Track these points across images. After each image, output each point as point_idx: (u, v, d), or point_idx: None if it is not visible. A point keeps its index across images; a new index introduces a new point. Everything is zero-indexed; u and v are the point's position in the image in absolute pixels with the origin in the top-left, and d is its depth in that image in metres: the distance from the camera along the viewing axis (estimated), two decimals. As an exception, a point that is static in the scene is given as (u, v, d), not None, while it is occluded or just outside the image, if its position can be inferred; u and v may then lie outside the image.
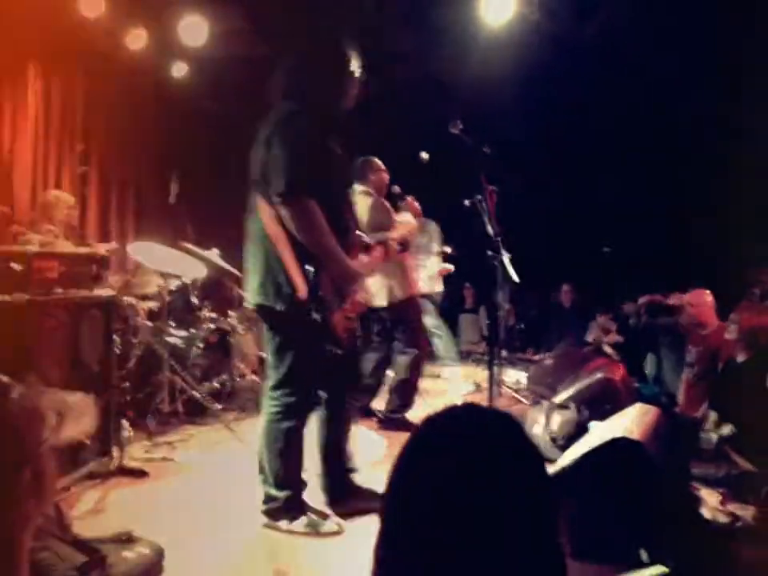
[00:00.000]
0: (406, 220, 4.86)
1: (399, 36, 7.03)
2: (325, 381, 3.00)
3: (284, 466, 2.91)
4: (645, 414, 2.99)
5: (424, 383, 6.44)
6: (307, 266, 2.62)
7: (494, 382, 5.22)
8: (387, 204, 4.79)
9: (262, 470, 2.97)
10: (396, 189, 5.14)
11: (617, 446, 2.62)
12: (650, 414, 2.99)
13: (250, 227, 2.86)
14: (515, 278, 6.14)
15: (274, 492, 2.95)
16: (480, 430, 0.95)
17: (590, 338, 7.34)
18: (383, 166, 4.95)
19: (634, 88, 6.90)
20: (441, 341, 6.45)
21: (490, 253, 3.40)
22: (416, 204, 5.28)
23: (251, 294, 2.83)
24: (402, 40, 7.08)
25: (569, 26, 6.19)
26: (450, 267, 6.66)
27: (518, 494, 0.91)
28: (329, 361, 2.82)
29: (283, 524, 2.94)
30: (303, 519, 2.95)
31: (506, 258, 6.02)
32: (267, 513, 2.98)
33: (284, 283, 2.67)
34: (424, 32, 6.82)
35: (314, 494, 3.13)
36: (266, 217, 2.71)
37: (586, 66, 6.68)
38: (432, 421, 1.00)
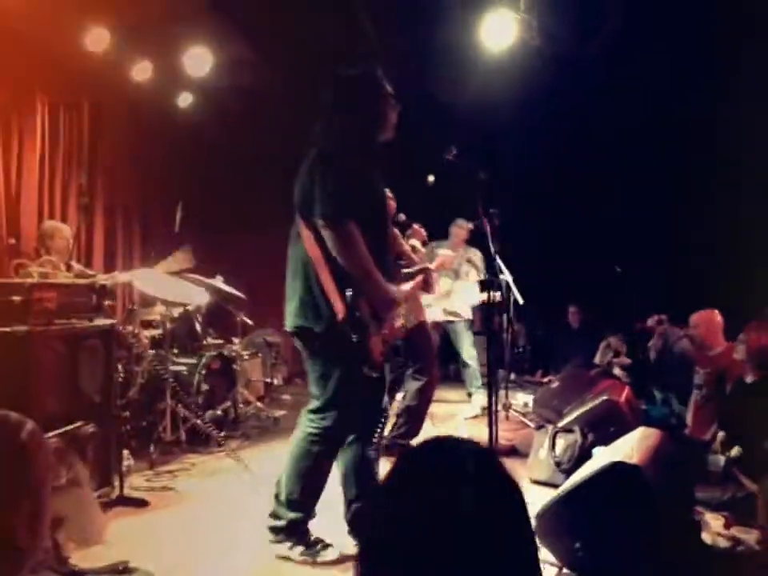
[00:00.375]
0: (414, 245, 4.92)
1: (400, 59, 7.10)
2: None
3: (302, 487, 2.91)
4: (646, 438, 2.94)
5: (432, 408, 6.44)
6: (347, 290, 2.68)
7: (496, 405, 5.23)
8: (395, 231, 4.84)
9: (278, 485, 2.97)
10: (402, 217, 5.21)
11: (614, 471, 2.58)
12: (651, 438, 2.94)
13: (291, 252, 2.94)
14: (519, 299, 6.18)
15: (282, 510, 2.94)
16: (451, 465, 0.95)
17: (598, 359, 7.28)
18: (390, 194, 5.02)
19: (635, 108, 6.91)
20: (469, 371, 6.41)
21: (487, 276, 3.37)
22: (422, 231, 5.33)
23: (290, 317, 2.88)
24: (403, 63, 7.15)
25: (569, 50, 6.22)
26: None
27: (494, 528, 0.90)
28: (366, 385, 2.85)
29: (282, 548, 2.92)
30: (301, 547, 2.93)
31: (509, 279, 6.06)
32: (271, 529, 2.97)
33: (323, 305, 2.73)
34: (425, 56, 6.89)
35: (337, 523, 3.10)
36: (307, 241, 2.79)
37: (587, 88, 6.71)
38: (407, 456, 1.00)
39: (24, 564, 1.31)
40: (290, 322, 2.89)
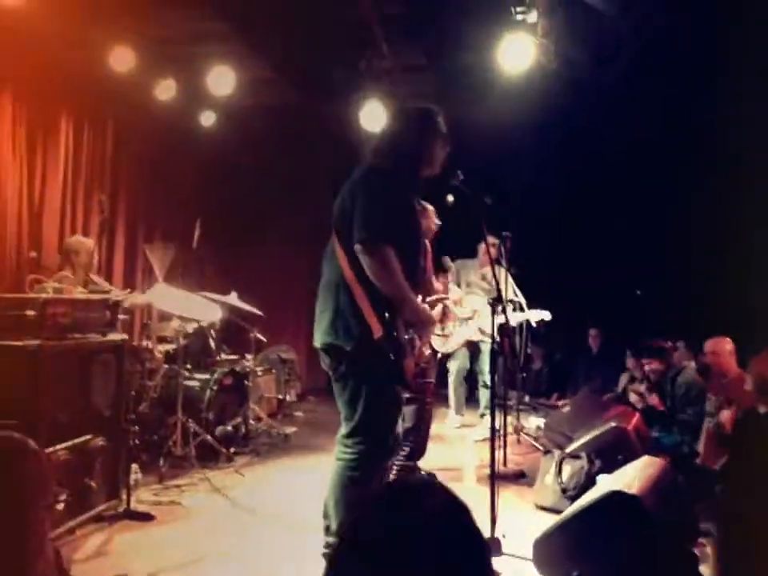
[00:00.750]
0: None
1: (420, 79, 7.18)
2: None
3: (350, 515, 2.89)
4: (648, 467, 2.93)
5: (444, 429, 6.44)
6: (384, 310, 2.75)
7: (504, 428, 5.21)
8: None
9: (326, 516, 2.96)
10: (447, 261, 5.39)
11: (612, 500, 2.58)
12: (653, 467, 2.93)
13: (326, 271, 2.98)
14: (532, 321, 6.16)
15: (335, 541, 2.94)
16: (414, 512, 0.97)
17: (620, 387, 7.16)
18: (433, 214, 5.14)
19: (651, 132, 6.89)
20: (487, 392, 6.39)
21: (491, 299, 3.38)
22: (448, 260, 5.63)
23: (320, 334, 2.90)
24: (423, 82, 7.23)
25: (587, 74, 6.24)
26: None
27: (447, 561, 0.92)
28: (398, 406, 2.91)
29: None
30: None
31: (522, 301, 6.06)
32: (326, 557, 2.97)
33: (354, 324, 2.77)
34: (444, 76, 6.96)
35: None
36: (343, 262, 2.84)
37: (603, 111, 6.71)
38: (374, 497, 1.03)
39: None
40: (319, 338, 2.91)
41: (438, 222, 5.07)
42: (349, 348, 2.79)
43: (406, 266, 2.80)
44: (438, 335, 5.93)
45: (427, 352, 3.12)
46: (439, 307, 5.11)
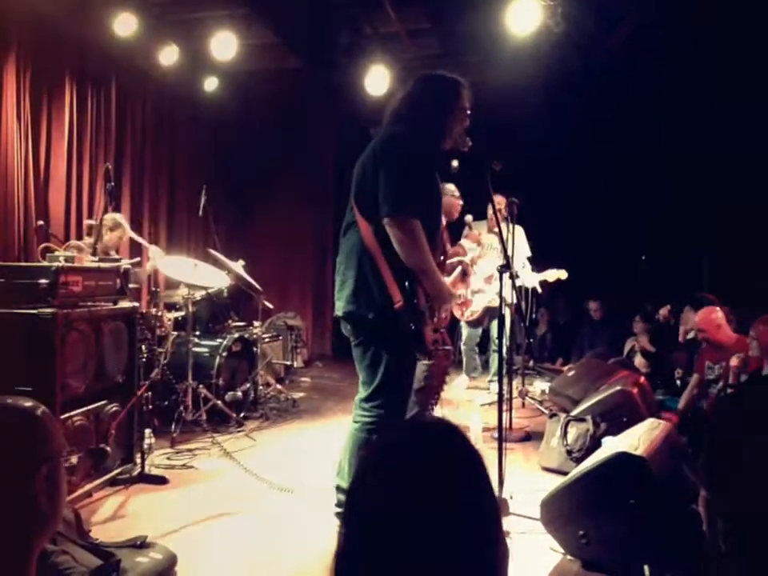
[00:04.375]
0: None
1: (424, 43, 7.10)
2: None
3: None
4: (653, 429, 2.98)
5: (450, 392, 6.50)
6: (405, 280, 2.78)
7: (510, 391, 5.25)
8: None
9: (339, 474, 3.04)
10: (468, 218, 5.34)
11: (618, 461, 2.63)
12: (658, 429, 2.97)
13: (346, 240, 2.98)
14: (538, 287, 6.18)
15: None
16: (421, 443, 1.01)
17: (625, 352, 7.19)
18: (457, 192, 5.11)
19: (659, 97, 6.84)
20: (495, 358, 6.36)
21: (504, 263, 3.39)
22: (476, 233, 5.78)
23: (342, 303, 2.93)
24: (428, 46, 7.15)
25: (594, 37, 6.17)
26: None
27: (460, 499, 0.96)
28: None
29: None
30: None
31: (526, 267, 6.08)
32: (339, 516, 3.04)
33: (377, 293, 2.80)
34: (450, 39, 6.88)
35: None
36: (364, 231, 2.85)
37: (611, 74, 6.65)
38: (383, 438, 1.06)
39: (48, 528, 1.41)
40: (341, 307, 2.94)
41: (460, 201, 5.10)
42: (371, 316, 2.83)
43: (426, 232, 2.82)
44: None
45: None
46: (458, 270, 5.13)
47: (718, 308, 4.75)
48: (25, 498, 1.33)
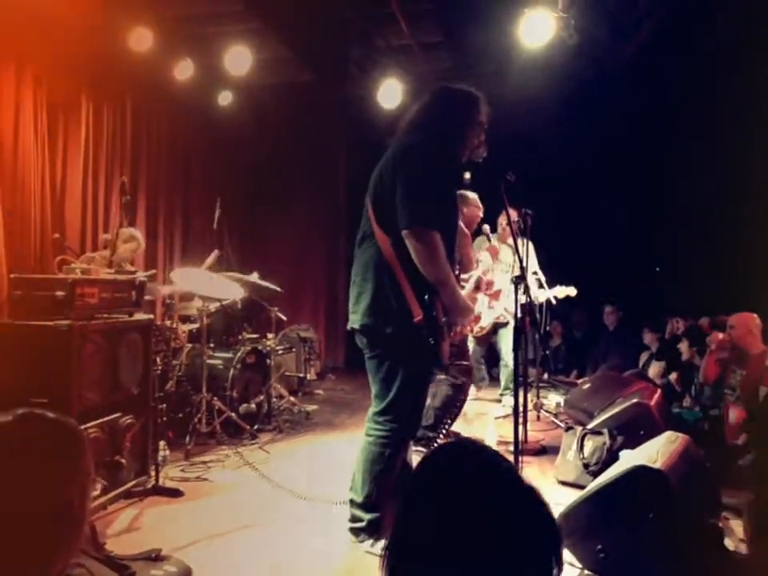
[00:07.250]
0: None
1: (437, 56, 7.13)
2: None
3: (377, 489, 2.96)
4: (672, 443, 2.94)
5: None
6: (425, 293, 2.75)
7: (525, 404, 5.22)
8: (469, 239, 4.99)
9: (353, 488, 3.04)
10: (486, 228, 5.36)
11: (637, 474, 2.60)
12: (676, 443, 2.94)
13: (362, 251, 2.96)
14: (552, 299, 6.15)
15: (360, 513, 3.01)
16: (470, 470, 1.01)
17: (641, 364, 7.13)
18: (478, 202, 5.11)
19: (672, 107, 6.83)
20: (507, 371, 6.34)
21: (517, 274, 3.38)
22: (496, 247, 5.77)
23: (358, 316, 2.91)
24: (441, 59, 7.18)
25: (607, 48, 6.17)
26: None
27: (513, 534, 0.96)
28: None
29: (366, 545, 3.00)
30: (383, 542, 3.00)
31: (542, 278, 6.05)
32: (352, 531, 3.05)
33: (396, 307, 2.78)
34: (463, 52, 6.90)
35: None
36: (382, 242, 2.83)
37: (624, 85, 6.65)
38: (430, 457, 1.07)
39: (80, 530, 1.41)
40: (357, 320, 2.92)
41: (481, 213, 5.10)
42: (389, 330, 2.81)
43: (445, 245, 2.80)
44: None
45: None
46: (473, 281, 5.11)
47: (756, 316, 4.73)
48: (61, 509, 1.34)
